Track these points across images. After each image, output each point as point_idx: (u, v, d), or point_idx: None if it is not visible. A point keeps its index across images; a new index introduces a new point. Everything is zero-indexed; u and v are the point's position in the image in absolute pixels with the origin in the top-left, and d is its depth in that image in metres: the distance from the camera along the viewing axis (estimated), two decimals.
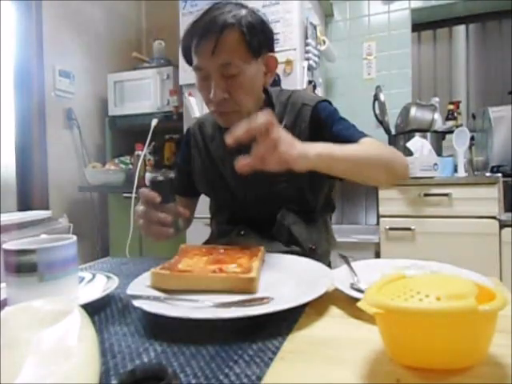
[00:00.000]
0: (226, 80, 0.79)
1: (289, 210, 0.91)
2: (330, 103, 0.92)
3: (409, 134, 1.99)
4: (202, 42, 0.78)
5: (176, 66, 2.17)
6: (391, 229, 1.81)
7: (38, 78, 2.07)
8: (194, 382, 0.36)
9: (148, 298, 0.52)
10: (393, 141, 2.09)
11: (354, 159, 0.70)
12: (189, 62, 0.87)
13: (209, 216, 1.07)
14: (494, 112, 1.97)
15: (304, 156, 0.60)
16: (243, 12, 0.81)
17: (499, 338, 0.38)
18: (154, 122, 2.14)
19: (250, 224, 0.92)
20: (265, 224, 0.90)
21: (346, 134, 0.83)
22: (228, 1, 0.83)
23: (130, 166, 2.27)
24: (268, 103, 0.90)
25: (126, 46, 2.70)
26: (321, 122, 0.87)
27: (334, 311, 0.52)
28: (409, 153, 1.86)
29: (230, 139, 0.57)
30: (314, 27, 2.01)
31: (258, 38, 0.81)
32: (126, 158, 2.35)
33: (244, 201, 0.93)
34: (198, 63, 0.81)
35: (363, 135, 0.82)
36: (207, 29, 0.77)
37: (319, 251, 0.92)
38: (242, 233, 0.92)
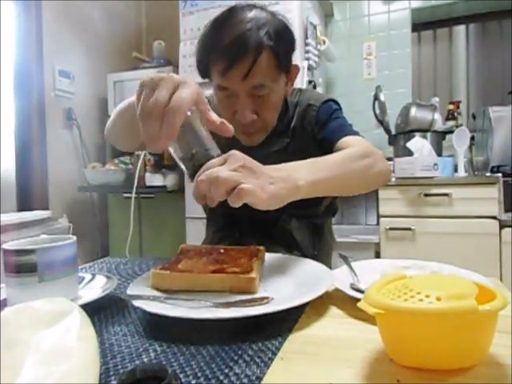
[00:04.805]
0: (254, 100, 0.76)
1: (292, 215, 0.89)
2: (335, 102, 0.89)
3: (409, 133, 1.99)
4: (232, 65, 0.71)
5: (176, 66, 2.16)
6: (391, 229, 1.81)
7: (37, 78, 2.06)
8: (193, 382, 0.36)
9: (148, 298, 0.52)
10: (393, 141, 2.10)
11: (338, 178, 0.64)
12: (204, 75, 0.80)
13: None
14: (494, 112, 1.97)
15: (295, 189, 0.54)
16: (268, 17, 0.75)
17: (499, 338, 0.38)
18: None
19: (246, 228, 0.90)
20: (263, 227, 0.88)
21: (330, 136, 0.82)
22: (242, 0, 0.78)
23: (130, 166, 2.27)
24: (285, 109, 0.88)
25: (126, 46, 2.69)
26: (320, 125, 0.86)
27: (334, 311, 0.52)
28: (409, 153, 1.86)
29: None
30: (314, 27, 2.01)
31: (287, 51, 0.78)
32: (126, 158, 2.34)
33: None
34: (224, 84, 0.75)
35: (345, 134, 0.80)
36: (238, 51, 0.70)
37: (321, 257, 0.91)
38: (239, 236, 0.90)
